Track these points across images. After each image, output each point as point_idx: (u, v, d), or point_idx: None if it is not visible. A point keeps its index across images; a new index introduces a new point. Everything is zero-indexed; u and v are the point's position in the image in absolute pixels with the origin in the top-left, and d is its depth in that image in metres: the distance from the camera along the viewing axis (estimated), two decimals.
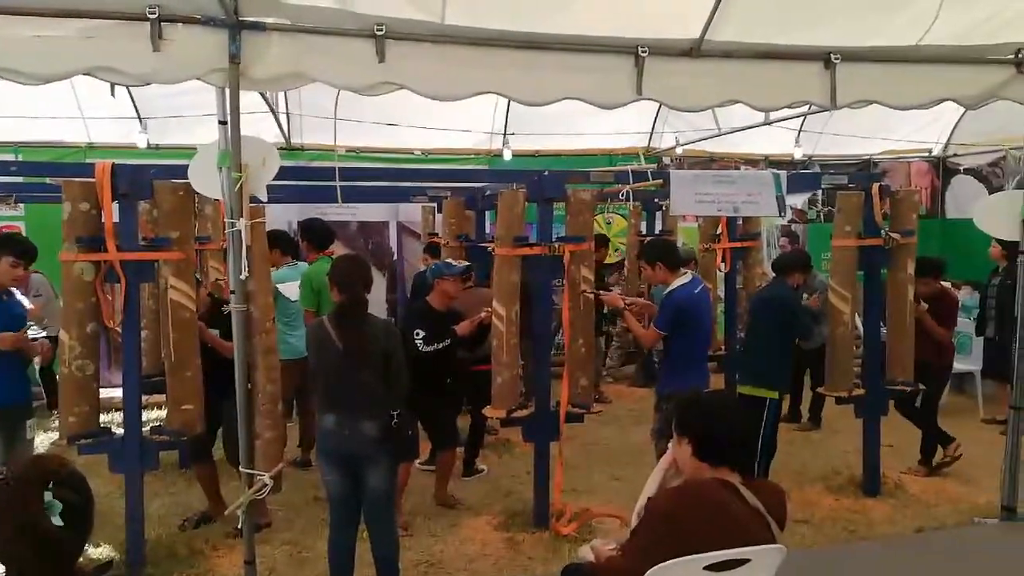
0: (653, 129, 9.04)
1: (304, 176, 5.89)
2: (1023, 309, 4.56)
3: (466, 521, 4.74)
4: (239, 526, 3.58)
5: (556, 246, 4.48)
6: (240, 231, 3.28)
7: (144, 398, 4.34)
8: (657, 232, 7.89)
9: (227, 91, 3.24)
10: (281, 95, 7.30)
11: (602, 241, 7.81)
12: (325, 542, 3.67)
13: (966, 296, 8.09)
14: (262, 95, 6.21)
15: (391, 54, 3.34)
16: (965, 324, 7.54)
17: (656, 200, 6.98)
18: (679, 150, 8.83)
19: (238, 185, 3.25)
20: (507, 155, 8.43)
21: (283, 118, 7.71)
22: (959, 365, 7.29)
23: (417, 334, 4.58)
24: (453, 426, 5.11)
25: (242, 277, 3.35)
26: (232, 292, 3.39)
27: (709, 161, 9.17)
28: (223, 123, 3.29)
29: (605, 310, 6.23)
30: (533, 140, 8.62)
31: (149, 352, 4.87)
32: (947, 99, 4.17)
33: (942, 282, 5.79)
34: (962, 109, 7.29)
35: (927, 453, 5.56)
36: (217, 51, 3.19)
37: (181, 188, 3.86)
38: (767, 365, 4.77)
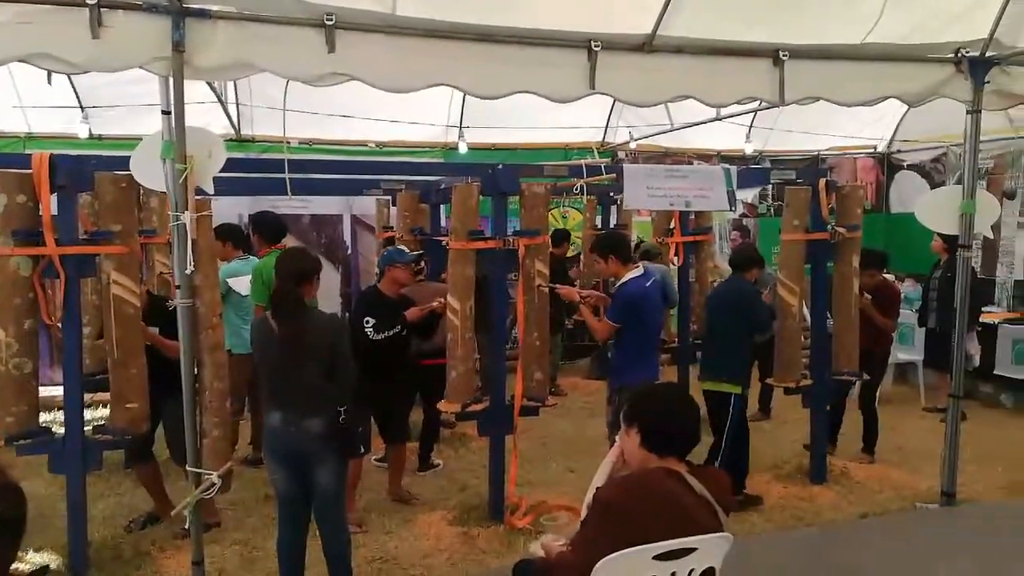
0: (608, 123, 9.09)
1: (254, 168, 5.76)
2: (962, 301, 4.73)
3: (421, 516, 4.72)
4: (187, 526, 3.50)
5: (511, 240, 4.48)
6: (185, 224, 3.20)
7: (88, 396, 4.21)
8: (612, 226, 7.95)
9: (171, 80, 3.16)
10: (230, 85, 7.13)
11: (564, 236, 7.84)
12: (275, 541, 3.61)
13: (909, 288, 8.35)
14: (209, 85, 6.06)
15: (341, 44, 3.29)
16: (908, 315, 7.79)
17: (611, 194, 7.02)
18: (633, 144, 8.90)
19: (182, 177, 3.17)
20: (462, 148, 8.39)
21: (232, 109, 7.53)
22: (902, 356, 7.56)
23: (367, 322, 4.50)
24: (405, 419, 5.08)
25: (188, 272, 3.27)
26: (178, 287, 3.31)
27: (663, 156, 9.26)
28: (167, 113, 3.20)
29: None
30: (489, 133, 8.58)
31: (92, 349, 4.72)
32: (891, 96, 4.29)
33: (885, 274, 5.96)
34: (905, 107, 7.49)
35: (870, 441, 5.73)
36: (160, 38, 3.10)
37: (123, 180, 3.73)
38: (731, 361, 4.81)
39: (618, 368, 4.61)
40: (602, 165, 5.05)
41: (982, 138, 4.70)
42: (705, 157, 9.34)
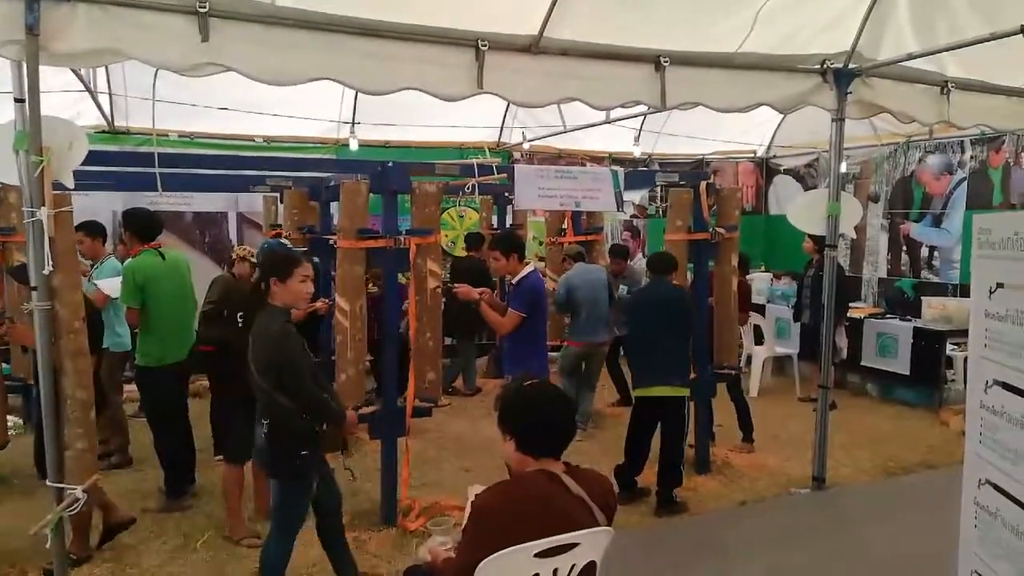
0: (503, 124, 9.15)
1: (128, 162, 5.46)
2: (829, 297, 5.04)
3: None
4: (48, 545, 3.25)
5: (402, 239, 4.42)
6: (41, 221, 2.97)
7: None
8: (508, 226, 8.01)
9: (24, 66, 2.92)
10: (101, 74, 6.70)
11: (479, 239, 7.69)
12: (153, 555, 3.40)
13: (785, 286, 8.85)
14: (75, 72, 5.65)
15: (216, 34, 3.15)
16: (784, 311, 8.26)
17: (507, 194, 7.06)
18: (526, 145, 9.00)
19: (38, 170, 2.94)
20: (353, 145, 8.23)
21: (104, 99, 7.07)
22: (779, 349, 8.00)
23: (240, 317, 4.12)
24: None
25: (45, 272, 3.03)
26: (34, 289, 3.07)
27: (556, 157, 9.42)
28: (20, 101, 2.96)
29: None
30: (382, 131, 8.46)
31: None
32: (763, 103, 4.52)
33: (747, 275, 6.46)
34: (782, 114, 7.94)
35: (747, 430, 6.01)
36: (11, 21, 2.88)
37: None
38: (680, 364, 4.92)
39: (518, 359, 4.65)
40: (494, 165, 5.04)
41: (850, 145, 5.08)
42: (597, 159, 9.56)
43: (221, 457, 4.86)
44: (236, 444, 4.30)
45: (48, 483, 3.19)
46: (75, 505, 3.20)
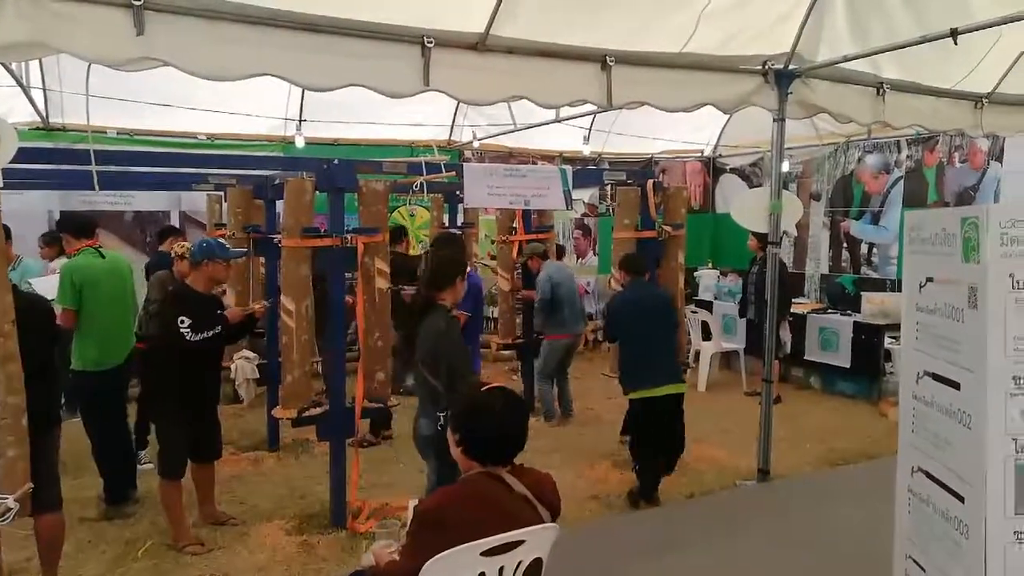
0: (454, 122, 9.12)
1: (64, 160, 5.26)
2: (772, 294, 5.16)
3: (256, 527, 4.50)
4: None
5: (348, 238, 4.37)
6: None
7: None
8: (459, 224, 7.98)
9: None
10: (35, 69, 6.45)
11: (401, 232, 7.67)
12: (93, 564, 3.29)
13: (732, 283, 9.02)
14: (6, 67, 5.44)
15: (152, 28, 3.06)
16: (730, 307, 8.43)
17: (458, 193, 7.04)
18: (476, 144, 8.99)
19: None
20: (299, 142, 8.09)
21: (38, 94, 6.81)
22: (726, 344, 8.16)
23: (182, 322, 4.00)
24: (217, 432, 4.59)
25: None
26: None
27: (508, 155, 9.42)
28: None
29: None
30: (330, 128, 8.35)
31: None
32: (707, 103, 4.60)
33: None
34: (728, 114, 8.09)
35: None
36: None
37: None
38: (676, 362, 5.07)
39: None
40: (442, 163, 5.01)
41: (792, 145, 5.19)
42: (548, 158, 9.60)
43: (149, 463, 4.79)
44: (172, 458, 4.20)
45: None
46: (7, 515, 3.07)
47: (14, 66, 5.59)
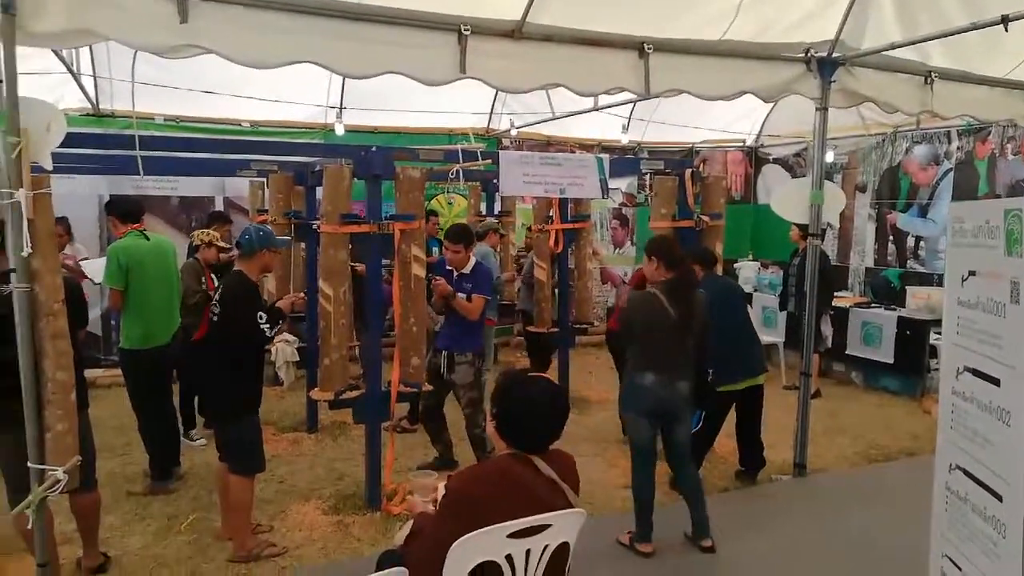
0: (492, 110, 9.12)
1: (112, 145, 5.41)
2: (812, 286, 5.07)
3: (294, 507, 4.61)
4: (29, 526, 3.24)
5: (386, 224, 4.41)
6: (20, 203, 2.95)
7: None
8: (496, 213, 8.00)
9: (1, 45, 2.89)
10: (85, 56, 6.63)
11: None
12: (137, 538, 3.37)
13: (772, 275, 8.88)
14: (57, 54, 5.59)
15: (196, 15, 3.13)
16: (770, 300, 8.30)
17: (495, 181, 7.06)
18: (514, 132, 8.97)
19: (16, 152, 2.91)
20: (339, 130, 8.17)
21: (88, 81, 7.00)
22: (765, 338, 8.01)
23: (260, 317, 3.84)
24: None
25: (24, 254, 3.01)
26: (13, 271, 3.05)
27: (546, 144, 9.39)
28: None
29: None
30: (371, 116, 8.41)
31: None
32: (747, 91, 4.52)
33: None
34: (771, 103, 7.94)
35: None
36: None
37: None
38: (762, 352, 5.16)
39: (456, 336, 4.99)
40: (478, 151, 5.02)
41: (838, 135, 5.03)
42: (587, 146, 9.54)
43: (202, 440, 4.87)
44: (260, 452, 4.02)
45: (29, 464, 3.18)
46: (56, 486, 3.20)
47: (65, 53, 5.73)
